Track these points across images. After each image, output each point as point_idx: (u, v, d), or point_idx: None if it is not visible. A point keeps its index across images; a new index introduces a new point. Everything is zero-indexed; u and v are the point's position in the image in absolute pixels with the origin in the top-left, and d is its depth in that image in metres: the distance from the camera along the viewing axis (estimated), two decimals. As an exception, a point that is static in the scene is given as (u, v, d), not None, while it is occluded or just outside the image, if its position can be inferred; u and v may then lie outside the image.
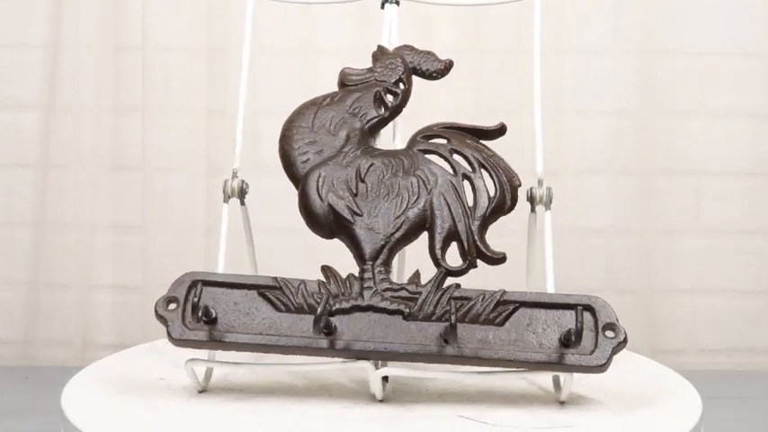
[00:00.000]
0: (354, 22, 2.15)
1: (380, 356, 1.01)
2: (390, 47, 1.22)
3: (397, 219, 1.07)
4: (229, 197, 1.17)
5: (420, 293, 1.03)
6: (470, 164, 1.12)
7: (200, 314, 1.00)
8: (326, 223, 1.08)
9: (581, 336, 1.01)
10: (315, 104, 1.15)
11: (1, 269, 2.24)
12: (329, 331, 1.00)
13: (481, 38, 2.18)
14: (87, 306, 2.22)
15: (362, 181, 1.08)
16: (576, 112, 2.21)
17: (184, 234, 2.19)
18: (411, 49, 1.21)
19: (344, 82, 1.17)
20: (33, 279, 2.23)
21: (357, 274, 1.05)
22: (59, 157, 2.21)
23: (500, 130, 1.17)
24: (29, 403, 1.96)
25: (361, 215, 1.07)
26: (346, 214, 1.07)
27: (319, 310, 1.00)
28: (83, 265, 2.21)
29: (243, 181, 1.18)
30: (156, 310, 1.02)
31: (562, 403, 1.04)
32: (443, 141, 1.14)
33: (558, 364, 1.00)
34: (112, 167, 2.22)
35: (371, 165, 1.10)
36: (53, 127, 2.21)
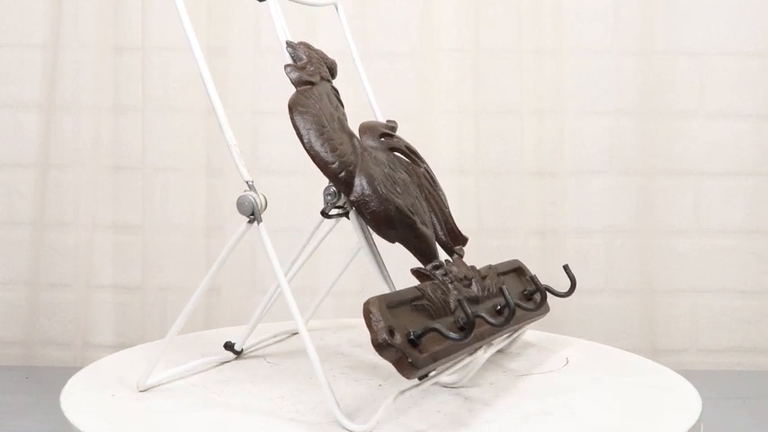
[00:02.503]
0: (354, 23, 2.15)
1: (492, 339, 1.05)
2: (282, 41, 1.12)
3: (428, 213, 1.10)
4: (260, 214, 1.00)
5: (473, 277, 1.07)
6: (419, 158, 1.15)
7: (416, 339, 0.89)
8: (398, 224, 1.02)
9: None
10: (308, 103, 1.03)
11: (1, 269, 2.24)
12: (472, 327, 0.96)
13: (481, 38, 2.19)
14: (87, 306, 2.22)
15: (395, 181, 1.07)
16: (576, 112, 2.21)
17: (184, 234, 2.19)
18: (310, 46, 1.13)
19: (305, 80, 1.06)
20: (33, 279, 2.23)
21: (435, 271, 1.03)
22: (59, 157, 2.21)
23: (395, 128, 1.18)
24: (29, 403, 1.96)
25: (416, 213, 1.06)
26: (409, 213, 1.04)
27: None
28: (83, 265, 2.21)
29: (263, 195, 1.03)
30: (389, 346, 0.86)
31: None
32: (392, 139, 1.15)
33: (543, 313, 1.19)
34: (112, 167, 2.22)
35: (390, 163, 1.09)
36: (53, 127, 2.21)
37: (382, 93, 2.21)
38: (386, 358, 0.86)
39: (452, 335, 0.89)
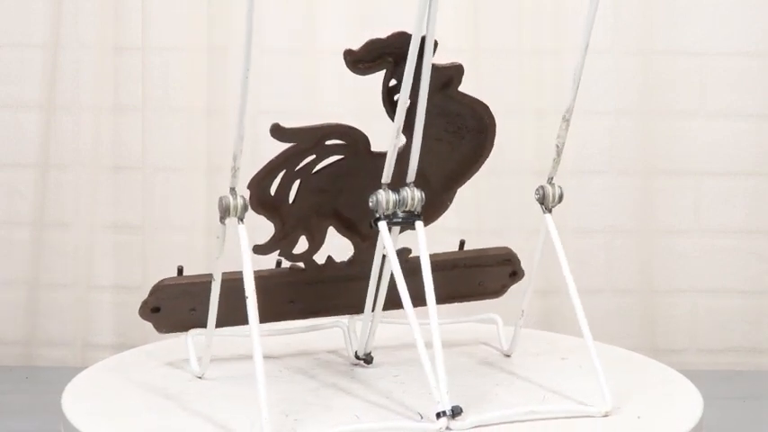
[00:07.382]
0: (355, 22, 2.15)
1: None
2: None
3: None
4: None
5: None
6: None
7: None
8: None
9: None
10: None
11: (1, 269, 2.24)
12: None
13: (481, 38, 2.18)
14: (87, 306, 2.22)
15: None
16: (576, 112, 2.20)
17: (184, 234, 2.19)
18: None
19: None
20: (33, 279, 2.23)
21: None
22: (59, 157, 2.21)
23: None
24: (29, 403, 1.96)
25: None
26: None
27: None
28: (83, 265, 2.21)
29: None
30: None
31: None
32: None
33: None
34: (112, 167, 2.22)
35: None
36: (53, 127, 2.21)
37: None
38: None
39: None
